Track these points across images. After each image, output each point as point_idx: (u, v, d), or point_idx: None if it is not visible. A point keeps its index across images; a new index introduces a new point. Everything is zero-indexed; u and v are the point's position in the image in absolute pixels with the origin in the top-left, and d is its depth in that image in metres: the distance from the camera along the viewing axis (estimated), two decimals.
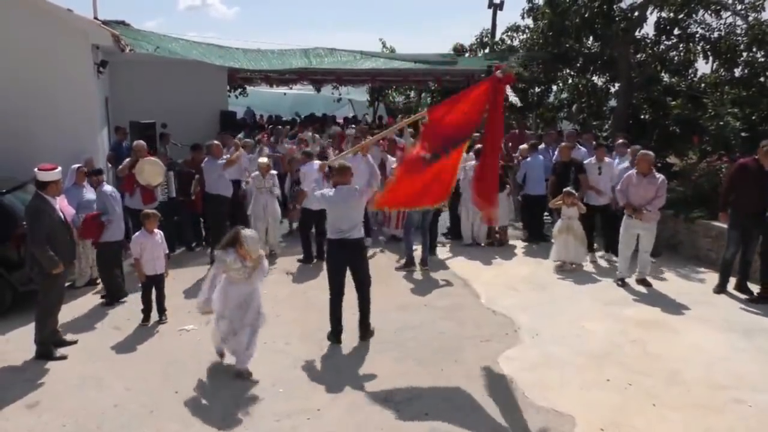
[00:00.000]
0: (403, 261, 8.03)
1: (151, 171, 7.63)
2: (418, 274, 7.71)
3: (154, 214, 6.11)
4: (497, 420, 4.29)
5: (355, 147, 7.25)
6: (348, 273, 5.57)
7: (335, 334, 5.59)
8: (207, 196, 8.05)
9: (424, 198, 5.59)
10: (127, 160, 8.00)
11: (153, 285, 6.12)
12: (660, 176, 7.06)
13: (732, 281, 7.07)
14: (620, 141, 9.13)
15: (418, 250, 7.95)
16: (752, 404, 4.50)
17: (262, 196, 8.42)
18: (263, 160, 8.60)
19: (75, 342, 5.57)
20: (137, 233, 6.12)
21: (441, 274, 7.69)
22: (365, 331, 5.64)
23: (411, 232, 7.98)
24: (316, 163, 7.70)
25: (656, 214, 7.04)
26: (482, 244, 9.11)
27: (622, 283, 7.22)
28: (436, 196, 5.57)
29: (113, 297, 6.61)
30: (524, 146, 9.84)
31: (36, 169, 5.30)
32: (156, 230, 6.11)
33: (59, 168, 5.46)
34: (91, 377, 4.92)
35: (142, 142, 8.17)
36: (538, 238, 9.35)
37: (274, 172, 8.65)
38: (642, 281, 7.20)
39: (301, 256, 8.28)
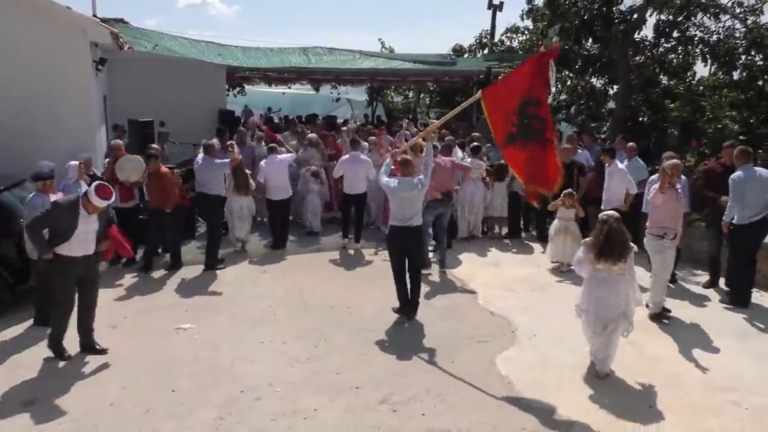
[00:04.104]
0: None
1: (130, 168, 7.65)
2: (432, 275, 7.61)
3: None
4: (494, 421, 4.29)
5: (410, 142, 7.26)
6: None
7: (403, 309, 6.12)
8: (200, 195, 7.93)
9: (535, 180, 5.47)
10: (107, 159, 8.06)
11: None
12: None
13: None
14: (620, 137, 9.09)
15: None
16: (748, 406, 4.51)
17: (231, 193, 8.22)
18: (234, 151, 8.23)
19: (106, 350, 5.29)
20: None
21: (439, 275, 7.68)
22: (415, 309, 6.16)
23: (426, 234, 7.72)
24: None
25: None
26: (479, 236, 9.29)
27: (664, 315, 6.24)
28: (544, 183, 5.43)
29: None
30: None
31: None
32: None
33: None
34: (87, 375, 4.91)
35: (119, 141, 8.27)
36: (542, 237, 9.10)
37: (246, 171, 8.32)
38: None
39: (269, 242, 8.70)
